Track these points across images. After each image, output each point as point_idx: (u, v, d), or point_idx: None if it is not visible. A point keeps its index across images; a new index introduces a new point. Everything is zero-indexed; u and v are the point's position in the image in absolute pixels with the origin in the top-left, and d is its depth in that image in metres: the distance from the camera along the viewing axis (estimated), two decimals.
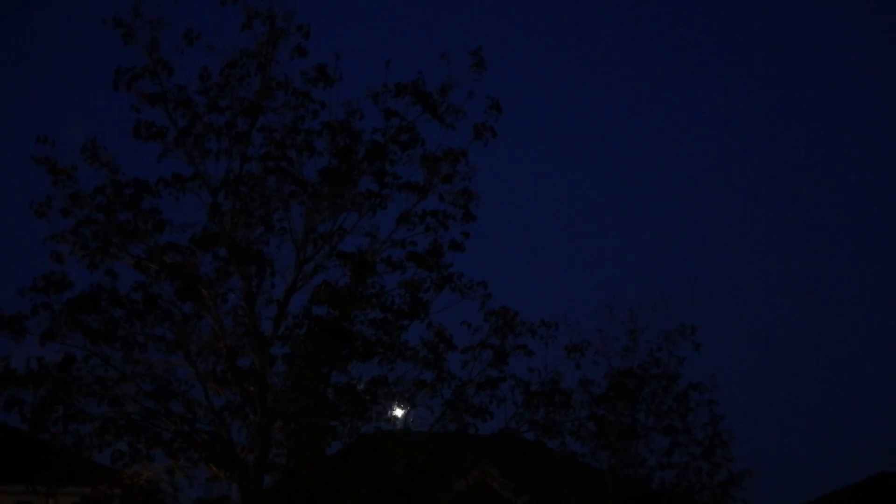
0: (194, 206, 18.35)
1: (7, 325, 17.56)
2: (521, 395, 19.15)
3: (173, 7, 18.14)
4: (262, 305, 18.39)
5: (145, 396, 17.85)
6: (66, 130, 18.71)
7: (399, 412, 18.62)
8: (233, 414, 18.08)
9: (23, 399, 17.51)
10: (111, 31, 18.12)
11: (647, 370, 25.64)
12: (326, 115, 18.67)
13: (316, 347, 17.92)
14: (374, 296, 18.55)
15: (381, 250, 18.71)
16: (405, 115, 18.73)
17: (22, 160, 18.14)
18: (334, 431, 18.23)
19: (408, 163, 18.82)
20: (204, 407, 18.06)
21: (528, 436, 19.68)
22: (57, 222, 17.94)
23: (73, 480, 17.88)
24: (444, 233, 18.79)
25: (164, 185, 18.24)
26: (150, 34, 18.12)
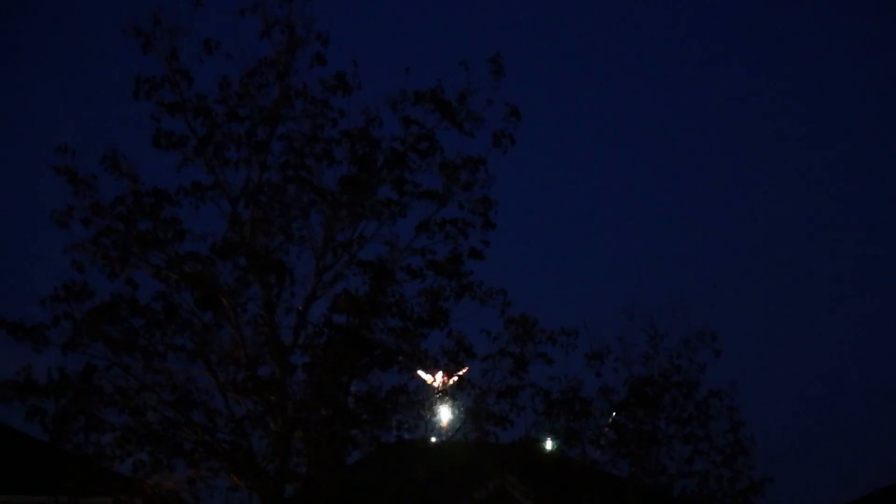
0: (214, 215, 18.38)
1: (28, 334, 17.60)
2: (542, 403, 19.10)
3: (192, 16, 18.18)
4: (282, 314, 18.40)
5: (166, 406, 17.85)
6: (87, 140, 18.73)
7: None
8: (253, 423, 18.05)
9: (44, 409, 17.55)
10: (130, 40, 18.17)
11: (667, 377, 25.55)
12: (345, 124, 18.67)
13: (336, 356, 17.89)
14: (393, 304, 18.51)
15: (401, 258, 18.68)
16: (424, 123, 18.71)
17: (42, 170, 18.20)
18: (354, 440, 18.20)
19: (427, 171, 18.80)
20: (224, 416, 18.04)
21: (549, 444, 19.63)
22: (77, 232, 17.99)
23: (94, 490, 17.91)
24: (463, 241, 18.76)
25: (184, 195, 18.24)
26: (169, 43, 18.15)
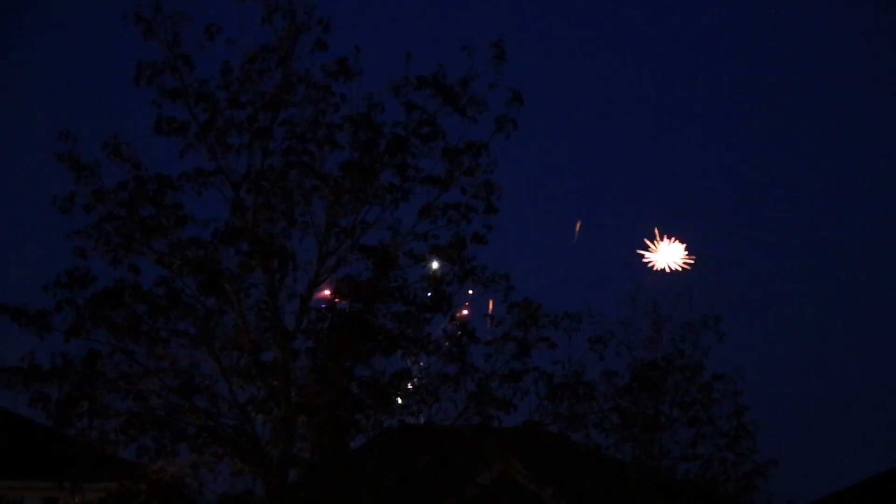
0: (217, 200, 18.39)
1: (32, 321, 17.61)
2: (545, 387, 19.11)
3: (193, 2, 18.17)
4: (285, 300, 18.41)
5: (169, 391, 17.87)
6: (89, 126, 18.74)
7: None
8: (257, 408, 18.06)
9: (48, 395, 17.56)
10: (132, 26, 18.16)
11: (670, 361, 25.56)
12: (347, 109, 18.67)
13: (339, 341, 17.91)
14: (396, 289, 18.53)
15: (404, 244, 18.69)
16: (426, 108, 18.70)
17: (45, 156, 18.21)
18: (358, 425, 18.21)
19: (429, 156, 18.79)
20: (228, 402, 18.06)
21: (552, 428, 19.64)
22: (80, 218, 18.00)
23: (98, 476, 17.92)
24: (466, 225, 18.76)
25: (186, 181, 18.24)
26: (170, 29, 18.15)
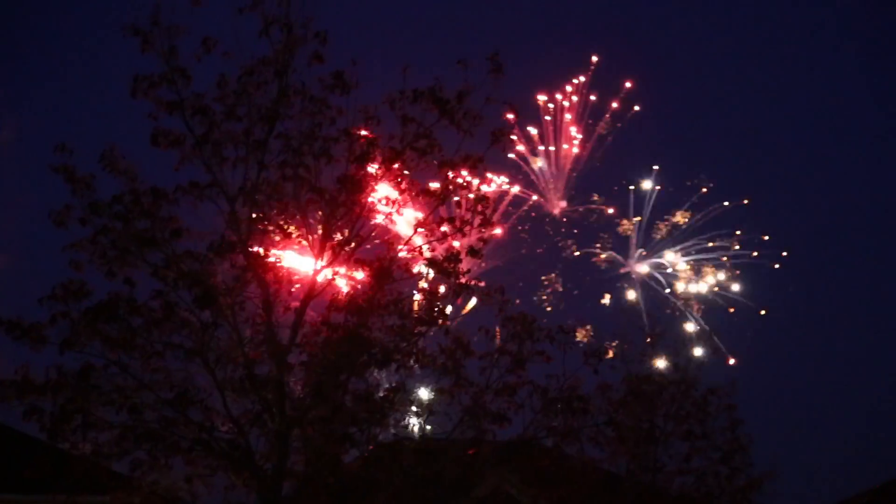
0: (212, 213, 18.37)
1: (26, 333, 17.55)
2: (540, 400, 19.11)
3: (190, 15, 18.16)
4: (280, 313, 18.38)
5: (164, 404, 17.82)
6: (85, 138, 18.73)
7: (415, 421, 18.59)
8: (251, 422, 18.05)
9: (42, 408, 17.49)
10: (129, 38, 18.15)
11: (665, 375, 25.59)
12: (344, 122, 18.69)
13: (334, 355, 17.90)
14: (391, 302, 18.52)
15: (399, 257, 18.69)
16: (422, 121, 18.71)
17: (40, 169, 18.18)
18: (352, 439, 18.19)
19: (425, 169, 18.80)
20: (222, 415, 18.03)
21: (547, 442, 19.65)
22: (75, 231, 17.95)
23: (91, 489, 17.87)
24: (461, 239, 18.77)
25: (182, 193, 18.23)
26: (167, 42, 18.14)
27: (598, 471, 24.79)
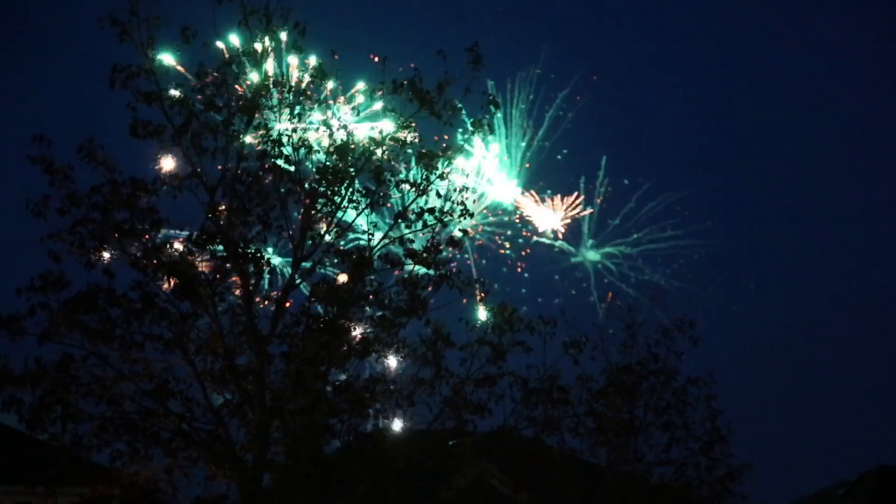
0: (192, 204, 18.33)
1: (5, 325, 17.49)
2: (520, 391, 19.14)
3: (169, 5, 18.11)
4: (260, 304, 18.36)
5: (143, 396, 17.80)
6: (63, 129, 18.66)
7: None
8: (231, 413, 18.04)
9: (21, 399, 17.43)
10: (107, 29, 18.07)
11: (645, 366, 25.59)
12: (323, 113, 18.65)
13: (314, 345, 17.89)
14: (371, 293, 18.53)
15: (379, 248, 18.70)
16: (402, 112, 18.71)
17: (19, 159, 18.09)
18: (333, 429, 18.20)
19: (405, 160, 18.81)
20: (202, 406, 18.01)
21: (527, 432, 19.67)
22: (54, 221, 17.88)
23: (71, 480, 17.83)
24: (441, 230, 18.79)
25: (161, 184, 18.18)
26: (146, 32, 18.08)
27: (578, 461, 24.81)
